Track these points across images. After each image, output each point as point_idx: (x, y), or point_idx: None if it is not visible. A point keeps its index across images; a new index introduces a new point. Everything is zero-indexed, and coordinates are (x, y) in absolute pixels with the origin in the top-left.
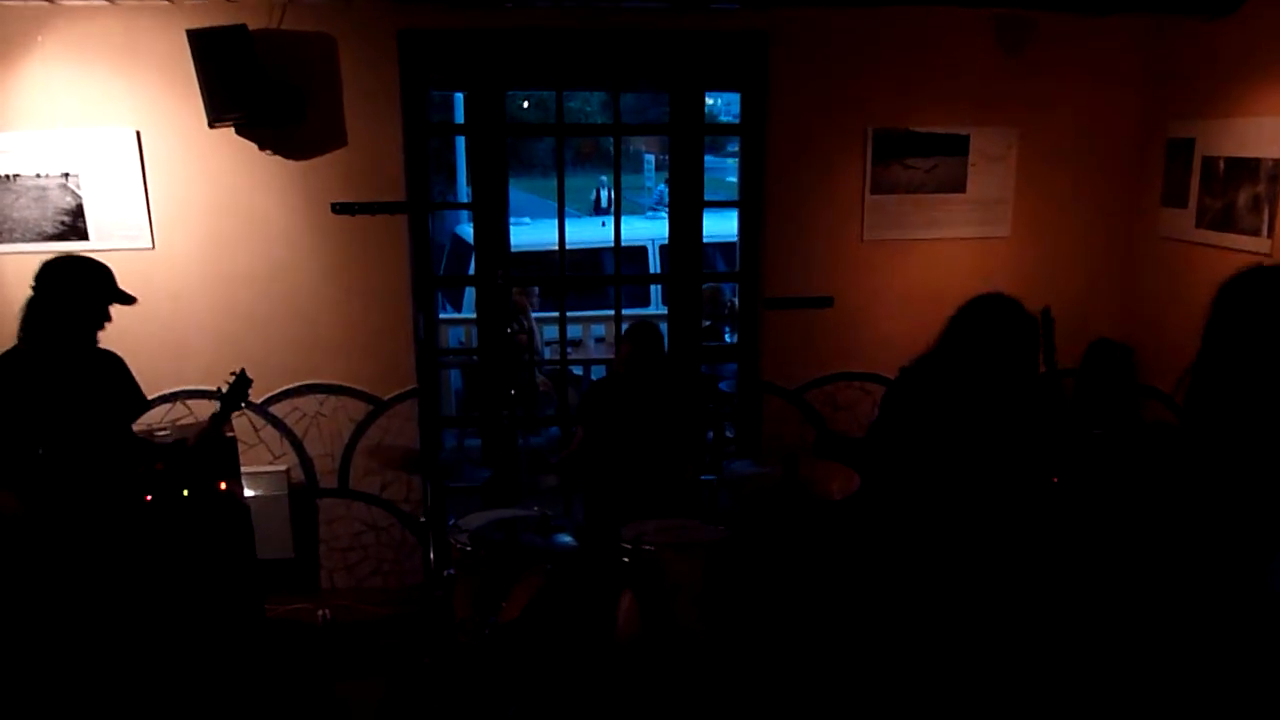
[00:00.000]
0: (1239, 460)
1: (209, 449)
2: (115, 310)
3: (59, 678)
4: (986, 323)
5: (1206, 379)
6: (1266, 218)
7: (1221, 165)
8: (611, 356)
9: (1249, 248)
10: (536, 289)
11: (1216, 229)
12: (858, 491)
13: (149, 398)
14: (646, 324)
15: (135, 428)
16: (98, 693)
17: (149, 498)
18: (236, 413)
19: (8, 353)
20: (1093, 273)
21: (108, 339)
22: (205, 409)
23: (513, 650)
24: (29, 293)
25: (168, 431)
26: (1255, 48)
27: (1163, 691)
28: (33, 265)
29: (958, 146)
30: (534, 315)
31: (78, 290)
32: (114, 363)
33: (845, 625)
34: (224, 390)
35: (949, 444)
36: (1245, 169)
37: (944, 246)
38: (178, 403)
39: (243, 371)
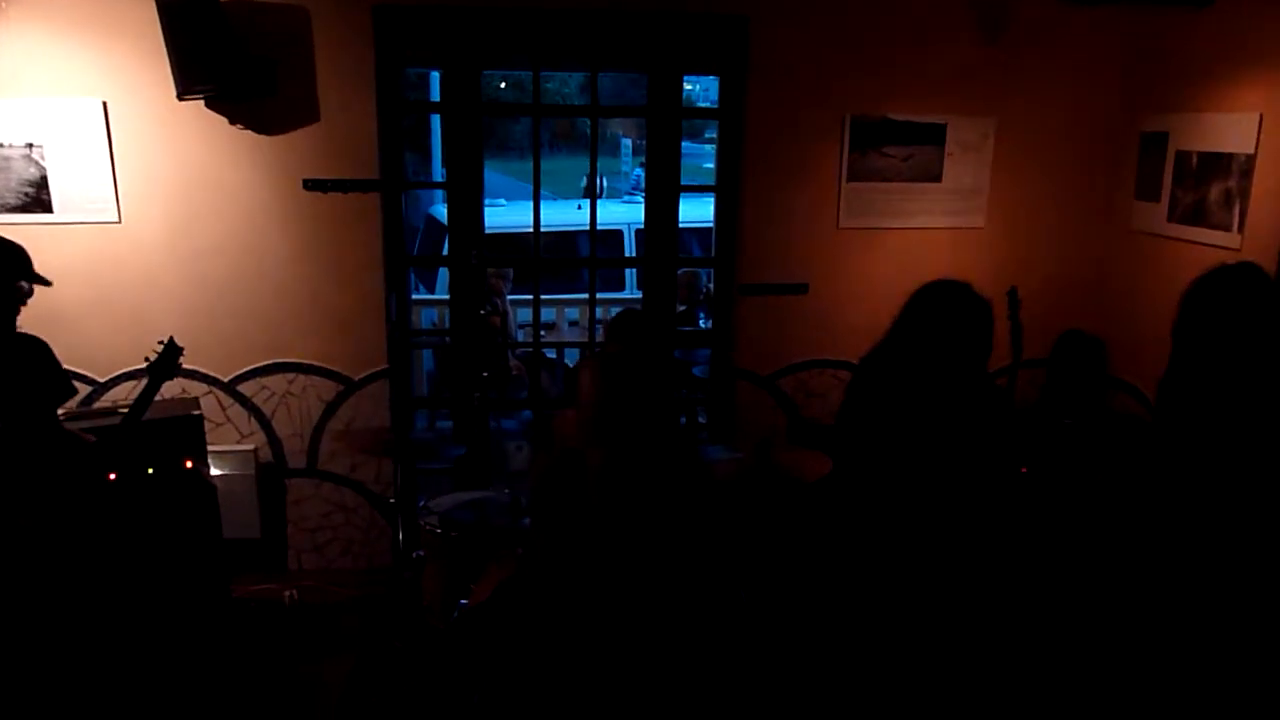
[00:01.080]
0: (1212, 456)
1: (137, 426)
2: (79, 285)
3: (22, 657)
4: (936, 309)
5: (1178, 378)
6: (1237, 213)
7: (1194, 160)
8: (584, 340)
9: (1219, 242)
10: (510, 271)
11: (1188, 223)
12: (829, 477)
13: (114, 374)
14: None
15: (100, 405)
16: (62, 673)
17: (112, 476)
18: (168, 382)
19: None
20: (1066, 264)
21: (71, 313)
22: (172, 387)
23: (481, 633)
24: None
25: (93, 435)
26: (1229, 43)
27: (1132, 681)
28: None
29: (935, 136)
30: (508, 298)
31: None
32: (35, 348)
33: (818, 610)
34: (151, 360)
35: (904, 431)
36: (1217, 164)
37: (919, 236)
38: (143, 380)
39: (171, 340)
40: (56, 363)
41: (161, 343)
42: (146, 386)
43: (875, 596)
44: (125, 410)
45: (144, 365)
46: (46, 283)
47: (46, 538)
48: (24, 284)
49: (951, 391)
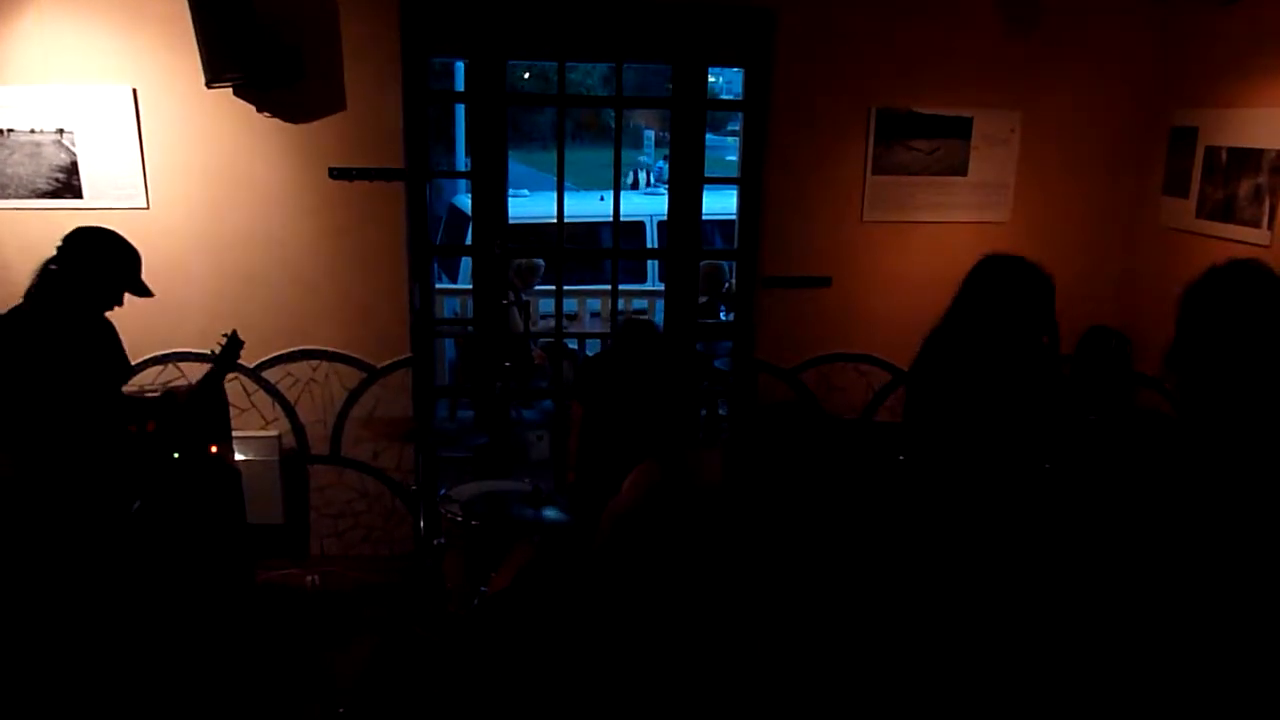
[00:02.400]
0: (1233, 457)
1: (200, 409)
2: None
3: (48, 638)
4: (998, 281)
5: (1190, 381)
6: (1267, 209)
7: (1224, 155)
8: (606, 331)
9: (1249, 239)
10: (541, 267)
11: (1217, 219)
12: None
13: (141, 358)
14: (639, 325)
15: (125, 389)
16: (86, 652)
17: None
18: (229, 375)
19: (10, 313)
20: (1091, 260)
21: None
22: (197, 371)
23: (501, 621)
24: (49, 253)
25: (157, 391)
26: (1260, 38)
27: (1153, 681)
28: (25, 221)
29: (960, 129)
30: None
31: (105, 268)
32: (108, 330)
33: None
34: (216, 352)
35: (963, 415)
36: (1248, 160)
37: (944, 230)
38: (169, 365)
39: (234, 333)
40: (121, 344)
41: (225, 335)
42: (209, 375)
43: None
44: (152, 392)
45: (207, 354)
46: (149, 293)
47: (95, 513)
48: (132, 292)
49: (1015, 371)
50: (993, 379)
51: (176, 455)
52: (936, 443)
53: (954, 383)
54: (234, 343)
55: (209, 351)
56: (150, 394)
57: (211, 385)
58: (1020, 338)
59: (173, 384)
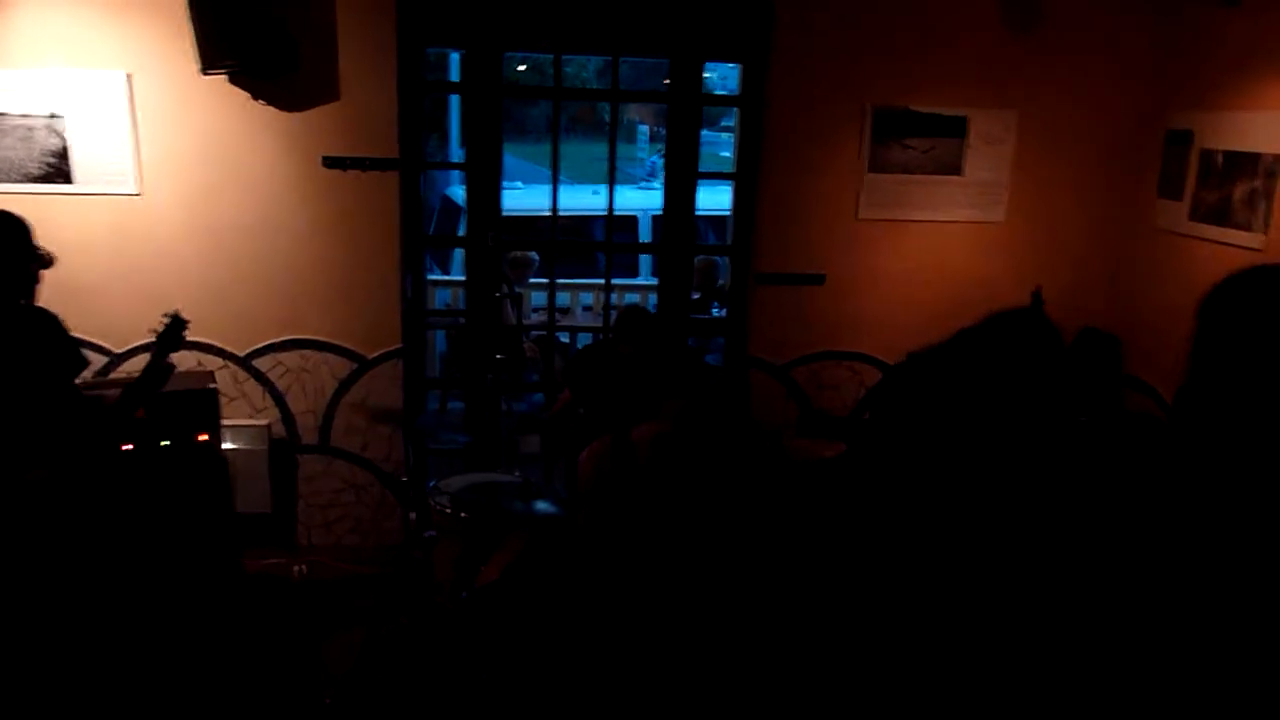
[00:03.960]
0: (1230, 466)
1: (138, 397)
2: (97, 256)
3: (34, 627)
4: (1012, 346)
5: (1196, 392)
6: (1262, 213)
7: (1219, 158)
8: (598, 325)
9: (1243, 243)
10: (536, 260)
11: (1211, 223)
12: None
13: (130, 346)
14: (636, 314)
15: (115, 376)
16: (73, 642)
17: (127, 446)
18: (173, 354)
19: None
20: (1085, 261)
21: (88, 284)
22: (187, 359)
23: (490, 612)
24: (39, 234)
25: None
26: (1259, 40)
27: (1149, 685)
28: (15, 206)
29: (956, 128)
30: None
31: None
32: (45, 321)
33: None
34: (158, 332)
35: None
36: (1244, 163)
37: (939, 229)
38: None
39: (177, 313)
40: (66, 335)
41: (167, 315)
42: (152, 358)
43: (887, 589)
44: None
45: (150, 338)
46: (49, 262)
47: (62, 508)
48: (35, 265)
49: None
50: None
51: (165, 444)
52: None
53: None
54: (176, 323)
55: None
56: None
57: (154, 369)
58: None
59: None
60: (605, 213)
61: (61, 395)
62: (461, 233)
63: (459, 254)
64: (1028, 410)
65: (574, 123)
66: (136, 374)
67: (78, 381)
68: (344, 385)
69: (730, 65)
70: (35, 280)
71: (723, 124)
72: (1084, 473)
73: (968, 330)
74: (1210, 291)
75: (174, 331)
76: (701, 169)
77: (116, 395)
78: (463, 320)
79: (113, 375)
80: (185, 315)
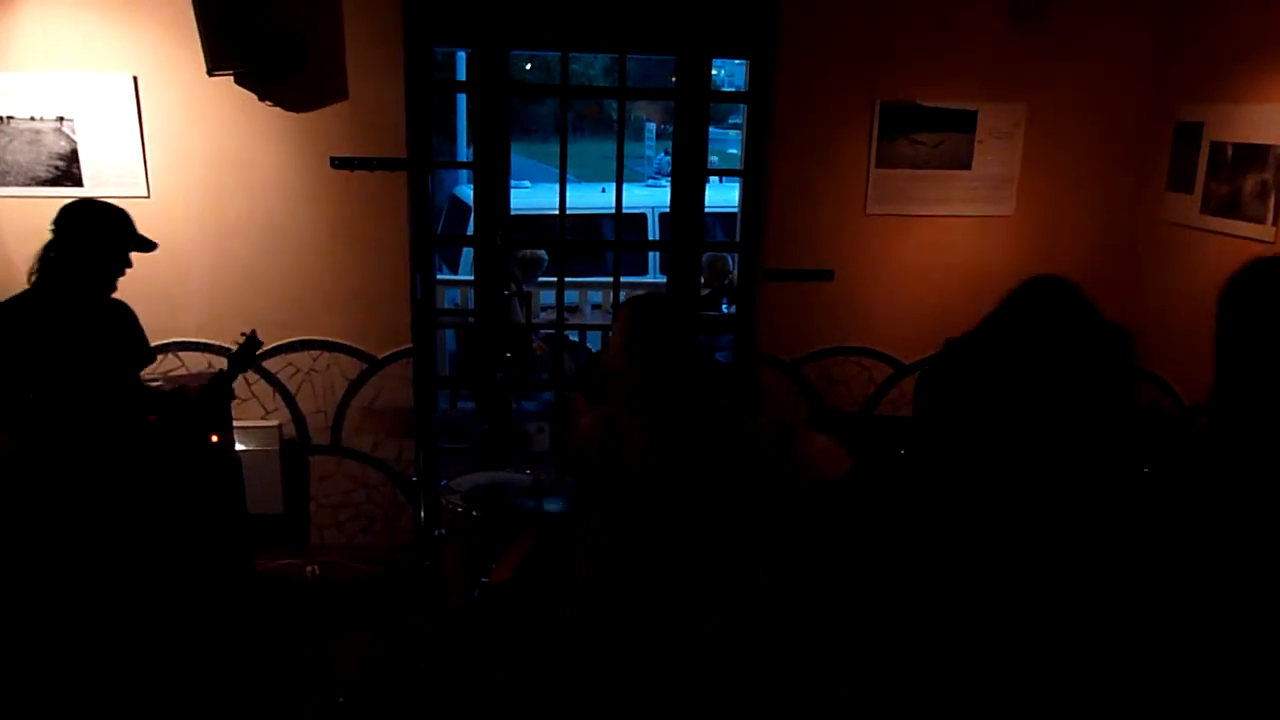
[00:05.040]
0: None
1: (209, 405)
2: None
3: (46, 621)
4: (1047, 308)
5: (1227, 388)
6: (1272, 205)
7: (1230, 151)
8: (607, 323)
9: (1253, 235)
10: (544, 260)
11: (1221, 215)
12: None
13: None
14: (644, 301)
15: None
16: (85, 641)
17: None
18: (180, 356)
19: (15, 298)
20: (1095, 255)
21: None
22: (198, 361)
23: (502, 612)
24: (46, 236)
25: (160, 382)
26: (1269, 32)
27: (1165, 689)
28: (25, 209)
29: (965, 123)
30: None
31: (99, 235)
32: (124, 312)
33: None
34: (234, 350)
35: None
36: (1254, 155)
37: (947, 224)
38: (170, 354)
39: (254, 333)
40: (140, 328)
41: (244, 334)
42: (224, 373)
43: (914, 590)
44: (156, 383)
45: (227, 351)
46: (152, 245)
47: (96, 495)
48: (133, 249)
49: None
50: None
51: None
52: (954, 442)
53: (982, 391)
54: (252, 342)
55: (230, 348)
56: (160, 386)
57: (226, 382)
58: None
59: (173, 373)
60: (613, 211)
61: (129, 385)
62: (470, 232)
63: (468, 253)
64: (1076, 365)
65: (581, 121)
66: (152, 377)
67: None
68: (354, 385)
69: (737, 61)
70: (127, 266)
71: (730, 121)
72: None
73: (994, 313)
74: (1225, 286)
75: (249, 350)
76: (709, 166)
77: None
78: (472, 320)
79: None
80: (242, 326)
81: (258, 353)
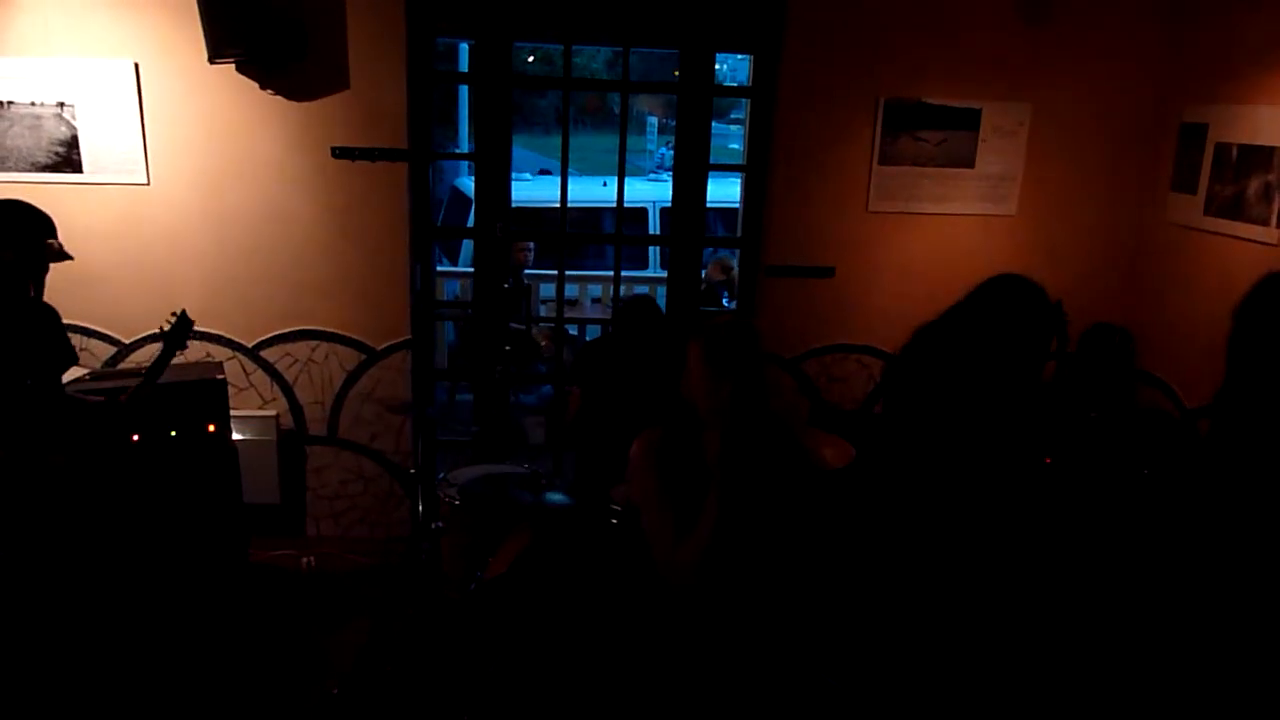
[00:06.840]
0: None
1: (146, 400)
2: (106, 246)
3: (39, 615)
4: (1006, 306)
5: (1235, 396)
6: (1277, 207)
7: (1234, 152)
8: (607, 317)
9: (1256, 237)
10: (532, 245)
11: (1225, 217)
12: (855, 464)
13: (139, 336)
14: (640, 301)
15: (124, 366)
16: (80, 630)
17: (136, 438)
18: (180, 352)
19: None
20: (1097, 255)
21: (97, 273)
22: (197, 350)
23: (498, 605)
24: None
25: (101, 396)
26: (1274, 34)
27: (1158, 685)
28: (24, 195)
29: (969, 121)
30: (530, 273)
31: (17, 237)
32: (48, 315)
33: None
34: (164, 330)
35: (946, 424)
36: (1258, 157)
37: (949, 222)
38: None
39: (184, 313)
40: (63, 332)
41: (174, 314)
42: (158, 358)
43: (895, 585)
44: (95, 398)
45: (158, 333)
46: (67, 256)
47: (51, 501)
48: (53, 243)
49: (1004, 391)
50: (977, 383)
51: (174, 434)
52: (914, 434)
53: (938, 379)
54: (184, 321)
55: (158, 328)
56: (93, 399)
57: (159, 368)
58: (1013, 363)
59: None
60: (614, 204)
61: (48, 390)
62: (470, 224)
63: (468, 245)
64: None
65: (583, 114)
66: (145, 364)
67: (86, 370)
68: (352, 376)
69: (741, 56)
70: (45, 269)
71: (732, 116)
72: (1095, 467)
73: (958, 303)
74: (1242, 299)
75: (180, 330)
76: (711, 161)
77: (129, 391)
78: (471, 312)
79: (121, 366)
80: (202, 308)
81: (189, 332)
